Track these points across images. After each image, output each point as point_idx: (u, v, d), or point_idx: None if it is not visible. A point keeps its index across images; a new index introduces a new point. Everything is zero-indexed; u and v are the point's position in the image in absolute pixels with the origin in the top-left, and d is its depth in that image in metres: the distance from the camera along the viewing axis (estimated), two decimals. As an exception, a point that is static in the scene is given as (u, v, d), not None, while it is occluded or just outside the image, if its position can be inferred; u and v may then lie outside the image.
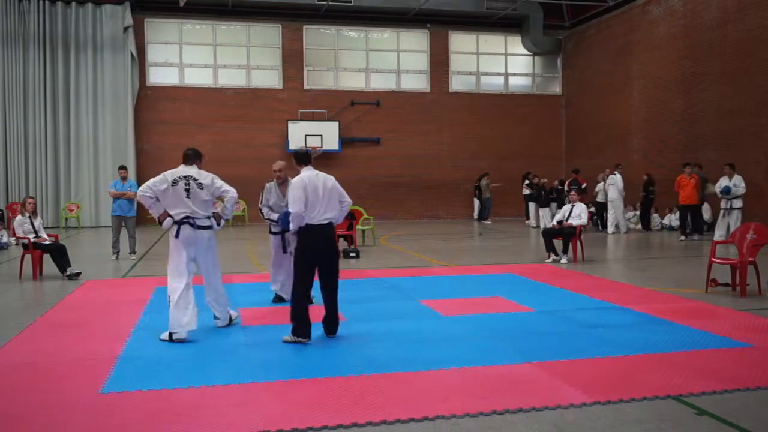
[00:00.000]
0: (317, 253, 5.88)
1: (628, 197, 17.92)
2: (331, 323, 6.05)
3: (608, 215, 17.54)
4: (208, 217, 6.15)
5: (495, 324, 6.55)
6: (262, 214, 7.72)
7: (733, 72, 16.58)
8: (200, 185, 6.08)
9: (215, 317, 6.51)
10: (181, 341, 5.84)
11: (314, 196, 5.84)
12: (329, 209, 5.93)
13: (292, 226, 5.87)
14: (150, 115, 21.26)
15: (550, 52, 24.31)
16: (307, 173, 5.97)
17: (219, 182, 6.20)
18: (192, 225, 6.02)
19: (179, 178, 6.03)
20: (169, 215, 6.01)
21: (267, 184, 7.73)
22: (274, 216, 7.39)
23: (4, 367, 5.15)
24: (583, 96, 23.22)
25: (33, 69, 20.05)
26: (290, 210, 5.84)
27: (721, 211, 14.32)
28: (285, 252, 7.46)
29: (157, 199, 5.99)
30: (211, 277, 6.34)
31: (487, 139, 23.50)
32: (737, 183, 14.01)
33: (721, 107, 16.97)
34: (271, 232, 7.66)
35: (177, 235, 5.99)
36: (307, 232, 5.83)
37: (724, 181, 14.19)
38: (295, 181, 5.93)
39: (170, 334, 5.87)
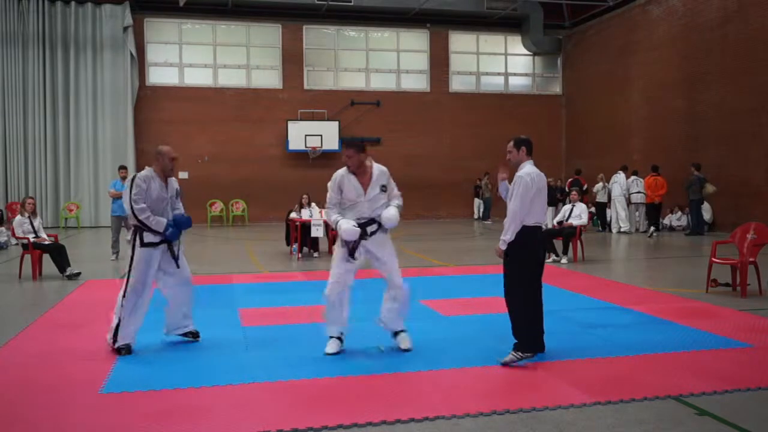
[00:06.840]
0: (540, 253, 5.34)
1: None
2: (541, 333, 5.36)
3: (618, 214, 17.52)
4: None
5: (495, 324, 6.53)
6: (135, 210, 5.41)
7: (734, 72, 16.55)
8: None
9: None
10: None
11: (540, 196, 5.18)
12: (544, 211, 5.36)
13: (510, 234, 5.03)
14: (150, 115, 21.23)
15: (550, 52, 24.28)
16: (532, 169, 5.20)
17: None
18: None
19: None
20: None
21: (140, 174, 5.58)
22: (162, 220, 5.52)
23: (4, 367, 5.15)
24: (583, 96, 23.20)
25: (32, 69, 20.02)
26: (515, 209, 5.05)
27: None
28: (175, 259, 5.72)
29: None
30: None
31: (487, 139, 23.41)
32: None
33: (722, 107, 16.95)
34: (149, 244, 5.51)
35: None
36: (531, 234, 5.18)
37: None
38: (525, 177, 5.13)
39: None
